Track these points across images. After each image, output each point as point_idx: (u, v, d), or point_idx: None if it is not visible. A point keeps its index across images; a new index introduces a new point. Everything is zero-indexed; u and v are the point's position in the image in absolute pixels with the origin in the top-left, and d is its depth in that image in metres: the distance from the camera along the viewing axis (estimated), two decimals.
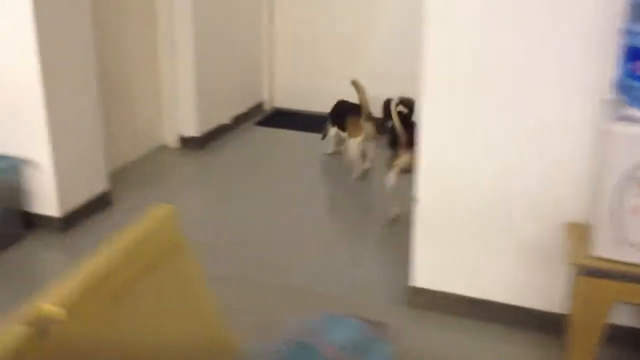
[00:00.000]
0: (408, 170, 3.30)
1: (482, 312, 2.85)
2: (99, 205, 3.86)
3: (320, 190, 4.50)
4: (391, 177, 3.64)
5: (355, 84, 4.17)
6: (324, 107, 4.77)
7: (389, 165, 3.70)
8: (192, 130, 4.88)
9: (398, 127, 3.61)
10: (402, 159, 3.56)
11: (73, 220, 3.67)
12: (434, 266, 2.87)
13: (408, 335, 2.84)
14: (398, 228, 3.65)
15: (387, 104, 3.91)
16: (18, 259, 3.40)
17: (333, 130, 4.59)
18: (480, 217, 2.73)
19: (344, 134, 4.43)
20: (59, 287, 1.28)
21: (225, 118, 5.19)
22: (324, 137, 4.70)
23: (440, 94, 2.63)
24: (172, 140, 4.91)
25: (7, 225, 3.46)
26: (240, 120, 5.38)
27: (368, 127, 4.17)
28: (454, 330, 2.87)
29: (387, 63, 5.20)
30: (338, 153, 4.71)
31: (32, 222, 3.59)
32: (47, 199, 3.57)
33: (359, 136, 4.20)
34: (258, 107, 5.69)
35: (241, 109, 5.43)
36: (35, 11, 3.23)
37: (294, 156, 4.90)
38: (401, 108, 3.79)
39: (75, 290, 1.26)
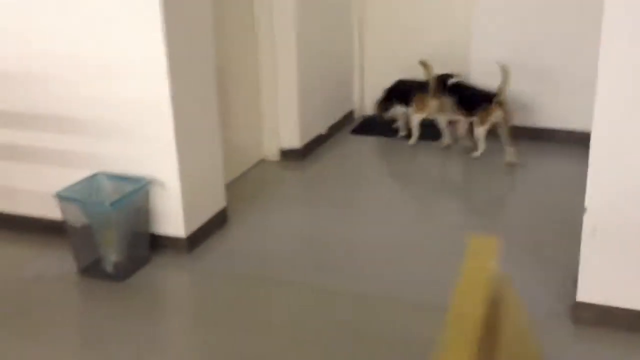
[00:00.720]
0: (500, 125, 4.42)
1: None
2: (218, 222, 3.79)
3: (430, 194, 4.36)
4: (480, 132, 4.48)
5: (424, 63, 4.74)
6: None
7: (482, 121, 4.45)
8: (293, 141, 4.78)
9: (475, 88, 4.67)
10: (495, 114, 4.39)
11: (197, 239, 3.60)
12: (606, 280, 2.71)
13: (574, 353, 2.70)
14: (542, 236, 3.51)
15: (441, 78, 4.76)
16: (148, 282, 3.34)
17: (399, 108, 5.02)
18: None
19: (408, 110, 4.94)
20: None
21: (321, 128, 5.09)
22: (381, 115, 5.18)
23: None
24: (272, 154, 4.82)
25: (137, 248, 3.39)
26: (334, 129, 5.28)
27: (434, 103, 4.77)
28: (625, 347, 2.70)
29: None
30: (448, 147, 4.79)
31: (158, 244, 3.52)
32: (173, 219, 3.50)
33: (424, 111, 4.81)
34: (349, 115, 5.59)
35: (335, 118, 5.33)
36: (165, 30, 3.17)
37: (395, 163, 4.80)
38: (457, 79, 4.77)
39: None
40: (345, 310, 3.05)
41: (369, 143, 5.24)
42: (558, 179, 4.38)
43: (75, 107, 3.48)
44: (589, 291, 2.75)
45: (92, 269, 3.38)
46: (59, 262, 3.46)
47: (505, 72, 4.33)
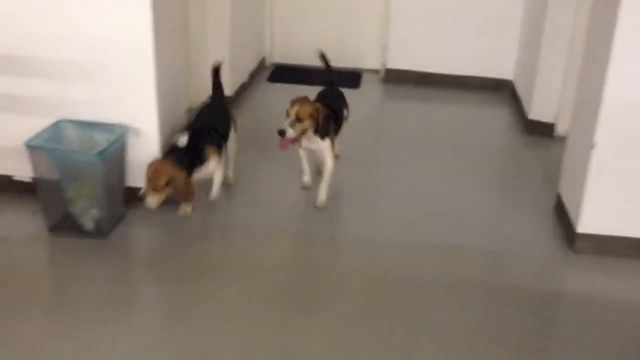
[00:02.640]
0: None
1: None
2: None
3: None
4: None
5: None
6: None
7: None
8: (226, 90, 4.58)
9: None
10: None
11: None
12: (608, 210, 2.99)
13: (574, 281, 2.97)
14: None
15: None
16: (126, 239, 3.12)
17: None
18: None
19: None
20: None
21: (244, 75, 4.94)
22: None
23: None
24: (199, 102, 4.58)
25: (114, 203, 3.10)
26: (252, 77, 5.15)
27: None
28: (623, 272, 3.00)
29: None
30: None
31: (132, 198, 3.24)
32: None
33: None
34: (262, 63, 5.47)
35: (252, 65, 5.19)
36: None
37: None
38: None
39: None
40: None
41: (286, 90, 5.15)
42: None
43: (37, 45, 3.05)
44: (588, 223, 3.01)
45: (62, 227, 3.05)
46: (24, 222, 3.07)
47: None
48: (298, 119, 3.16)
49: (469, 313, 2.68)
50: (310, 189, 3.53)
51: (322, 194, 3.37)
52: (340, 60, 5.44)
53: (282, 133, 3.14)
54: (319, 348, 2.45)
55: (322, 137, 3.28)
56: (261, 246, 3.07)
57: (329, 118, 3.31)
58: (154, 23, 2.99)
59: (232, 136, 3.48)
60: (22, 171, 3.23)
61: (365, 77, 5.39)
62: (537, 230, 3.27)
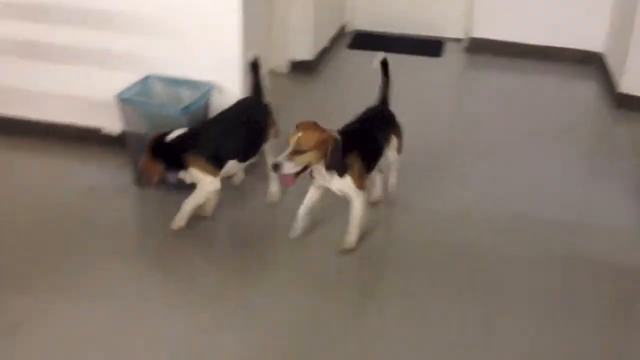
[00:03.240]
0: None
1: None
2: None
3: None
4: None
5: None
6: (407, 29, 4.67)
7: None
8: (305, 53, 4.60)
9: None
10: None
11: None
12: None
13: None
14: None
15: None
16: None
17: None
18: None
19: None
20: None
21: (325, 41, 4.92)
22: None
23: None
24: (281, 65, 4.61)
25: None
26: (333, 42, 5.12)
27: None
28: None
29: None
30: None
31: None
32: None
33: None
34: (342, 29, 5.44)
35: (333, 31, 5.16)
36: None
37: (404, 78, 4.71)
38: None
39: None
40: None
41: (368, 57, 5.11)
42: None
43: (128, 2, 3.13)
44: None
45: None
46: (111, 174, 3.17)
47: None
48: (298, 151, 2.47)
49: (552, 285, 2.63)
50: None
51: (351, 236, 2.74)
52: (422, 28, 5.40)
53: (276, 167, 2.48)
54: (398, 317, 2.44)
55: (339, 174, 2.58)
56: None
57: (342, 149, 2.54)
58: None
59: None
60: (110, 124, 3.35)
61: (447, 46, 5.28)
62: (624, 205, 3.15)
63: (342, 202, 2.71)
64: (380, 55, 2.98)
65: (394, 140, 2.94)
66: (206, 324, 2.34)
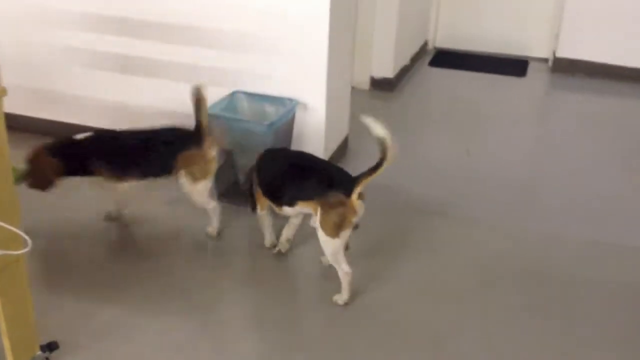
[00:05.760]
0: None
1: None
2: (342, 150, 3.61)
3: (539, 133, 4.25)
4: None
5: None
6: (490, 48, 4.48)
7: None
8: (386, 71, 4.58)
9: None
10: None
11: None
12: None
13: None
14: None
15: None
16: None
17: None
18: None
19: None
20: None
21: (406, 59, 4.89)
22: None
23: None
24: (362, 82, 4.61)
25: None
26: (414, 60, 5.09)
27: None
28: None
29: None
30: None
31: None
32: (314, 143, 3.29)
33: None
34: (424, 46, 5.40)
35: (415, 48, 5.13)
36: None
37: (486, 97, 4.65)
38: None
39: None
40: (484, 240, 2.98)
41: (449, 75, 5.06)
42: None
43: (216, 17, 3.18)
44: None
45: (231, 194, 3.16)
46: None
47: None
48: None
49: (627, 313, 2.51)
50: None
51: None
52: (506, 47, 5.31)
53: None
54: (474, 340, 2.39)
55: None
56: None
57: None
58: (332, 1, 3.01)
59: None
60: None
61: (532, 66, 5.17)
62: None
63: None
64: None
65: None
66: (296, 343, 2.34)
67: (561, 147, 3.91)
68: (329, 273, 2.56)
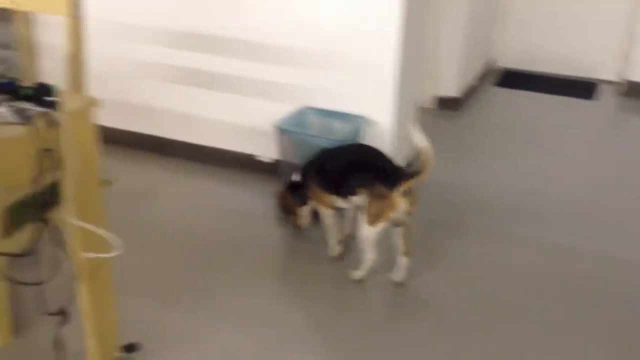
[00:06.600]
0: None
1: None
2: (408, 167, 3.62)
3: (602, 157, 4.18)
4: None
5: None
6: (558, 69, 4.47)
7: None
8: (451, 90, 4.59)
9: None
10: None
11: None
12: None
13: None
14: None
15: None
16: None
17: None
18: None
19: None
20: None
21: (472, 78, 4.89)
22: None
23: None
24: (427, 101, 4.63)
25: None
26: (480, 80, 5.09)
27: None
28: None
29: None
30: None
31: None
32: None
33: None
34: (490, 66, 5.39)
35: (480, 68, 5.12)
36: None
37: (552, 120, 4.59)
38: None
39: None
40: (539, 259, 2.95)
41: (515, 96, 5.03)
42: None
43: (287, 34, 3.27)
44: None
45: None
46: (263, 199, 3.30)
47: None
48: None
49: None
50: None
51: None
52: (574, 68, 5.25)
53: None
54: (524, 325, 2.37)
55: None
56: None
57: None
58: (402, 18, 3.06)
59: None
60: (265, 152, 3.50)
61: (601, 88, 5.10)
62: None
63: None
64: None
65: None
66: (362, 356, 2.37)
67: (630, 173, 3.84)
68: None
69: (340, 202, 2.80)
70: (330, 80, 3.28)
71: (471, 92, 4.87)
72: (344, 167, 2.74)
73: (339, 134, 3.14)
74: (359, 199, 2.68)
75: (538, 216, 3.33)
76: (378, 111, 3.25)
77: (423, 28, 3.49)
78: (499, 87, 5.15)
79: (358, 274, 2.77)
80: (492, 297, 2.70)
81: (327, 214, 2.87)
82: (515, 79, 5.26)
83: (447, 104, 4.62)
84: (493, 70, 5.42)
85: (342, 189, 2.73)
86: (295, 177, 2.89)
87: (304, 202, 2.89)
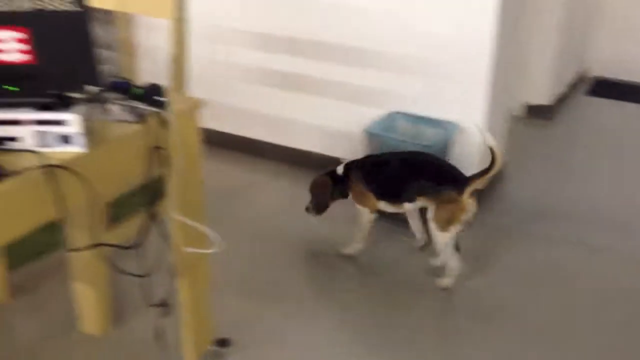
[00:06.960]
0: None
1: None
2: (498, 175, 3.56)
3: None
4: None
5: None
6: None
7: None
8: (541, 98, 4.49)
9: None
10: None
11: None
12: None
13: None
14: None
15: None
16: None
17: None
18: None
19: None
20: None
21: (563, 86, 4.77)
22: None
23: None
24: (518, 108, 4.54)
25: None
26: (571, 88, 4.95)
27: None
28: None
29: None
30: None
31: None
32: (471, 167, 3.27)
33: None
34: (582, 75, 5.24)
35: (572, 76, 4.99)
36: None
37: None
38: None
39: None
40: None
41: (607, 106, 4.87)
42: None
43: (383, 41, 3.28)
44: None
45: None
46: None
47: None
48: None
49: None
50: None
51: None
52: None
53: None
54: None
55: None
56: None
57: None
58: (497, 26, 3.02)
59: None
60: (350, 155, 3.51)
61: None
62: None
63: None
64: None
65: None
66: None
67: None
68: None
69: (386, 206, 2.81)
70: (422, 86, 3.27)
71: (562, 101, 4.75)
72: (399, 173, 2.75)
73: (428, 139, 3.12)
74: (412, 205, 2.72)
75: (623, 227, 3.23)
76: (469, 119, 3.21)
77: (517, 35, 3.43)
78: (591, 96, 5.00)
79: (443, 282, 2.75)
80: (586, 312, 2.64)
81: (366, 215, 2.87)
82: (607, 88, 5.09)
83: (538, 112, 4.52)
84: (585, 79, 5.27)
85: (396, 195, 2.74)
86: (340, 170, 2.89)
87: (340, 197, 2.88)
